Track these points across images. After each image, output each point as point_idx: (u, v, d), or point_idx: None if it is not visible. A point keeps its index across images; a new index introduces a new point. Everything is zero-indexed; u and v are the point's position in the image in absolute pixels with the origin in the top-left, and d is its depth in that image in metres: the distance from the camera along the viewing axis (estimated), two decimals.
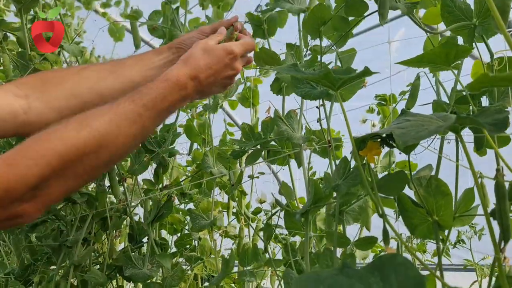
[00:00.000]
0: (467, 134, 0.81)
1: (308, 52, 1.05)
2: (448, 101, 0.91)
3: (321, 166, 1.27)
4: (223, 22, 1.00)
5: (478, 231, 2.05)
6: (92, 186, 1.64)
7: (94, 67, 0.99)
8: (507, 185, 0.67)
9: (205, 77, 0.86)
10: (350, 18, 0.85)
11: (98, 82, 0.94)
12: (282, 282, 1.14)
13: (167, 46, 1.02)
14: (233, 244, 1.66)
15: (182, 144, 1.82)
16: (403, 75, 1.58)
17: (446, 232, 0.85)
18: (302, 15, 0.93)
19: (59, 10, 1.22)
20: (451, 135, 0.83)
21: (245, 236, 1.59)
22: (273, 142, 1.04)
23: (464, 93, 0.80)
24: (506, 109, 0.59)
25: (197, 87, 0.86)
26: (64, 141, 0.68)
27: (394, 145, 0.69)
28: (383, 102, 1.58)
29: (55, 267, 1.51)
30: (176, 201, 1.57)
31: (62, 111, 0.89)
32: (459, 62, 0.85)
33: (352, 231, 1.17)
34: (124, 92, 0.94)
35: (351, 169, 0.72)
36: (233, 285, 1.66)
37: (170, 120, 1.51)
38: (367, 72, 0.60)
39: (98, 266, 1.56)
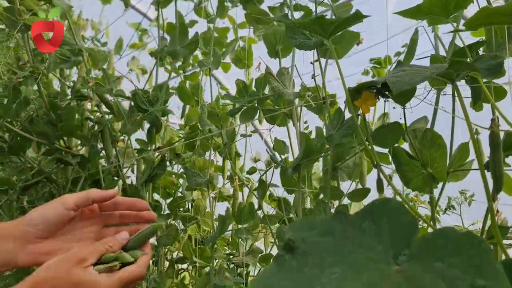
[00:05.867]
0: (464, 90, 0.80)
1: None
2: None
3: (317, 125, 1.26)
4: (137, 204, 0.70)
5: (468, 197, 2.07)
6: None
7: None
8: (501, 135, 0.67)
9: None
10: None
11: None
12: (277, 241, 1.15)
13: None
14: (227, 208, 1.67)
15: (173, 109, 1.80)
16: (398, 39, 1.56)
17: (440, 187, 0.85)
18: None
19: (59, 10, 1.20)
20: (447, 88, 0.82)
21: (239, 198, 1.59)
22: (268, 101, 1.03)
23: (461, 45, 0.79)
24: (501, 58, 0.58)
25: None
26: None
27: (389, 95, 0.68)
28: (377, 66, 1.56)
29: None
30: (169, 163, 1.56)
31: None
32: (458, 14, 0.83)
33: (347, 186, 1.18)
34: None
35: (345, 120, 0.71)
36: (226, 247, 1.67)
37: (162, 79, 1.50)
38: (358, 15, 0.59)
39: None
